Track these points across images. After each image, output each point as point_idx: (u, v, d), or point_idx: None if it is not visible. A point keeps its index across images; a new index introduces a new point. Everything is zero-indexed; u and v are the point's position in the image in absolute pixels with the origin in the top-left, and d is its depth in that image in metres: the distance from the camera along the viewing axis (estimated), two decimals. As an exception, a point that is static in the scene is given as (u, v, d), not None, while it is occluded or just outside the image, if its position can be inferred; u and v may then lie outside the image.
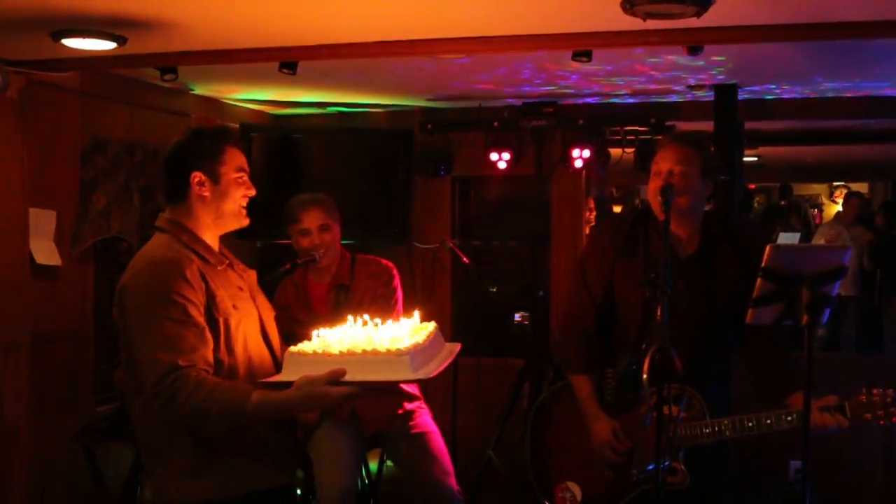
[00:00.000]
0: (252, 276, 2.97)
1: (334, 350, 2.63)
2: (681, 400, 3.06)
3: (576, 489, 3.41)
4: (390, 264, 4.22)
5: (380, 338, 2.72)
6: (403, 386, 4.13)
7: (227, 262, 2.83)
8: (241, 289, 2.83)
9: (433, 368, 2.67)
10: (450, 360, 2.85)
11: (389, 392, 4.09)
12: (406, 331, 2.84)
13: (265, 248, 5.60)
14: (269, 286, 3.79)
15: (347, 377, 2.55)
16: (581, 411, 3.39)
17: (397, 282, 4.18)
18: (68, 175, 4.74)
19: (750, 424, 3.15)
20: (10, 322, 4.38)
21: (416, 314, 3.01)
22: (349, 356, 2.59)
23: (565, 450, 3.45)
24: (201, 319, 2.63)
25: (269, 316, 2.95)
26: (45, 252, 4.55)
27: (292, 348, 2.68)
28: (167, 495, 2.72)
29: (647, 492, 3.21)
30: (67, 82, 4.61)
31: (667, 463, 3.05)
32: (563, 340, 3.54)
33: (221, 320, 2.68)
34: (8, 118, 4.32)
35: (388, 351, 2.58)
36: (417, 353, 2.62)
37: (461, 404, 5.47)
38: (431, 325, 2.95)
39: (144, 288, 2.63)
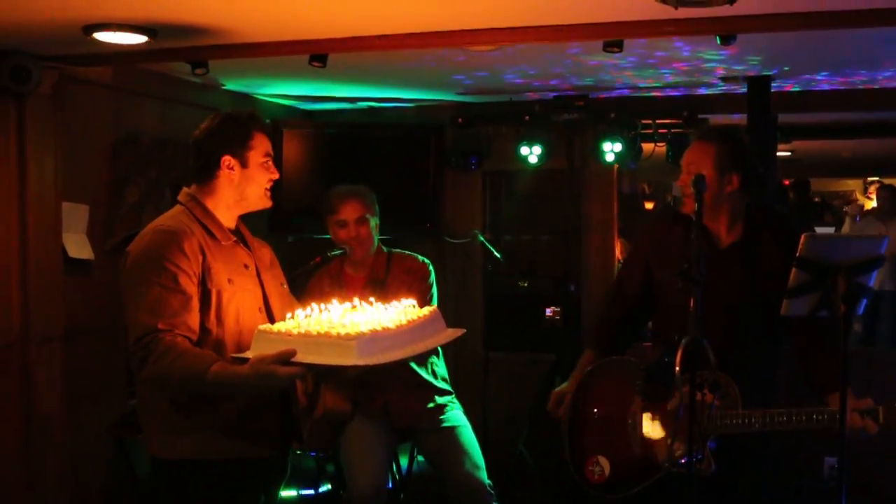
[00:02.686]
0: (266, 251, 3.10)
1: (295, 330, 2.65)
2: (717, 388, 3.03)
3: (605, 464, 3.42)
4: (427, 261, 4.21)
5: (351, 322, 2.72)
6: (433, 381, 4.13)
7: (234, 239, 2.93)
8: (246, 266, 2.94)
9: (388, 357, 2.64)
10: (427, 348, 2.86)
11: (420, 385, 4.09)
12: (395, 315, 2.83)
13: (297, 243, 5.62)
14: (300, 280, 3.80)
15: (299, 358, 2.57)
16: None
17: (433, 278, 4.17)
18: (101, 170, 4.78)
19: (781, 419, 3.10)
20: (44, 315, 4.42)
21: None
22: (306, 337, 2.62)
23: (599, 425, 3.46)
24: (192, 289, 2.73)
25: (278, 292, 3.04)
26: (78, 246, 4.59)
27: (262, 326, 2.74)
28: (150, 450, 2.86)
29: (674, 474, 3.19)
30: (100, 78, 4.65)
31: (700, 456, 3.02)
32: (595, 321, 3.72)
33: (214, 292, 2.79)
34: (41, 113, 4.35)
35: (338, 335, 2.59)
36: (371, 340, 2.60)
37: (492, 399, 5.45)
38: (423, 311, 2.94)
39: (142, 253, 2.77)
